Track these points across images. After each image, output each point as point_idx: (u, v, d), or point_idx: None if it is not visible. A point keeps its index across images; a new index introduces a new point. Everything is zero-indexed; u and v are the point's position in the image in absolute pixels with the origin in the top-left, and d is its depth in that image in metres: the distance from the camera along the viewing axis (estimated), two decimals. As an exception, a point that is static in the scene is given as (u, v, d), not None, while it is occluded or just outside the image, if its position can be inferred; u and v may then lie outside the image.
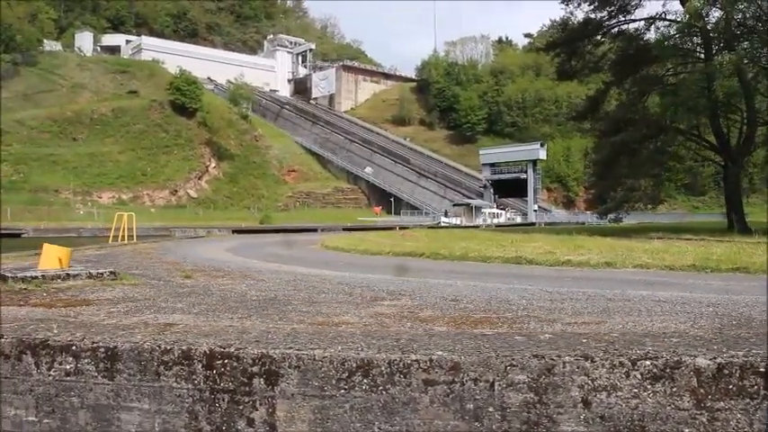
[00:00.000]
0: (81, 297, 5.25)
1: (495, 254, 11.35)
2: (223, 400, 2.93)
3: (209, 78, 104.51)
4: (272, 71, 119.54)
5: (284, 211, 77.28)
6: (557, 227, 43.97)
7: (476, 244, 14.16)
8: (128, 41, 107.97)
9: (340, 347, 3.00)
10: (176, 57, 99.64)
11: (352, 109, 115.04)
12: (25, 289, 5.63)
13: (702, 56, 24.15)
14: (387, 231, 30.50)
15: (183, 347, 3.01)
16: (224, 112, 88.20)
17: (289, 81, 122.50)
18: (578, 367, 2.89)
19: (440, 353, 2.93)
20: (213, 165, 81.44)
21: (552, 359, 2.90)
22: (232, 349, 2.98)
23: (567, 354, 2.94)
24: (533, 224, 61.34)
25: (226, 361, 2.95)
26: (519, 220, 69.93)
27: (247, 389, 2.91)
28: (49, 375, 3.10)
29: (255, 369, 2.92)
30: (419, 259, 11.89)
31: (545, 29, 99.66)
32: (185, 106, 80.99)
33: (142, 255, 12.20)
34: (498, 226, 54.71)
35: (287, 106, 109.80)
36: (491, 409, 2.83)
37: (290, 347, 2.98)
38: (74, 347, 3.10)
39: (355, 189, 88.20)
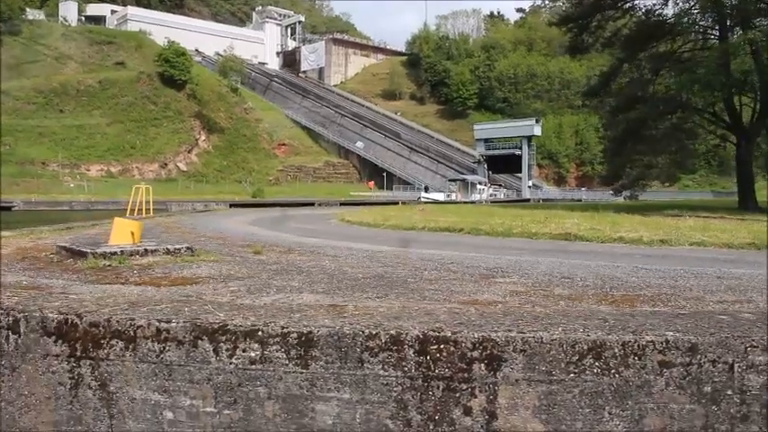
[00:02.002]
0: (177, 275, 4.92)
1: (541, 230, 11.10)
2: (437, 387, 2.67)
3: (196, 50, 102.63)
4: (260, 43, 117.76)
5: (275, 185, 76.59)
6: (557, 203, 43.89)
7: (509, 220, 13.89)
8: (113, 11, 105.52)
9: (560, 329, 2.74)
10: (163, 28, 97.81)
11: (341, 83, 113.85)
12: (109, 265, 5.29)
13: (717, 32, 23.96)
14: (392, 206, 30.16)
15: (392, 332, 2.73)
16: (213, 85, 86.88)
17: (277, 54, 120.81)
18: (819, 347, 2.68)
19: (674, 333, 2.70)
20: (203, 138, 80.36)
21: (793, 340, 2.68)
22: (448, 333, 2.70)
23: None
24: (528, 200, 61.29)
25: (442, 346, 2.68)
26: (502, 196, 68.59)
27: (466, 375, 2.66)
28: (231, 363, 2.79)
29: (476, 354, 2.66)
30: (460, 235, 11.61)
31: (538, 4, 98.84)
32: (174, 78, 79.53)
33: (173, 229, 11.82)
34: (494, 202, 54.60)
35: (276, 79, 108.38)
36: (730, 392, 2.67)
37: (510, 330, 2.72)
38: (260, 333, 2.79)
39: (347, 164, 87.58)
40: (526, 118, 76.13)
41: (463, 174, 75.68)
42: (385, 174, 80.00)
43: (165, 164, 74.59)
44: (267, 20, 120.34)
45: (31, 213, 41.62)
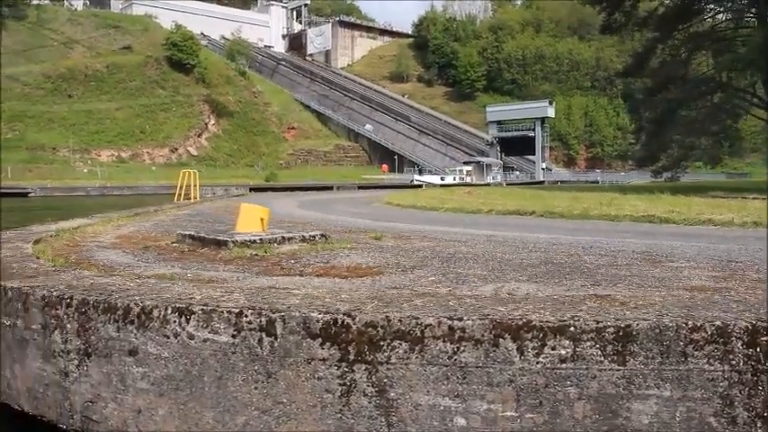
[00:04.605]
0: (339, 263, 4.65)
1: (621, 212, 10.80)
2: (767, 382, 2.41)
3: (202, 34, 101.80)
4: (266, 26, 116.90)
5: (286, 168, 76.34)
6: (577, 185, 43.51)
7: (568, 202, 13.60)
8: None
9: None
10: (168, 11, 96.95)
11: (348, 65, 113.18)
12: (256, 255, 5.01)
13: (755, 11, 23.53)
14: (416, 189, 29.88)
15: (717, 323, 2.51)
16: (221, 69, 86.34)
17: (283, 37, 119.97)
18: None
19: None
20: (212, 122, 79.97)
21: None
22: (779, 324, 2.45)
23: None
24: (542, 182, 60.90)
25: (774, 338, 2.43)
26: (500, 179, 66.59)
27: (797, 367, 2.42)
28: (537, 363, 2.52)
29: (809, 343, 2.42)
30: (534, 218, 11.32)
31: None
32: (182, 62, 79.06)
33: (235, 214, 11.49)
34: (509, 184, 54.15)
35: (283, 62, 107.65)
36: None
37: None
38: (571, 329, 2.52)
39: (356, 147, 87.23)
40: (539, 99, 75.53)
41: (473, 156, 75.18)
42: (396, 157, 79.57)
43: (176, 148, 74.28)
44: (272, 2, 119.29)
45: (48, 199, 41.37)
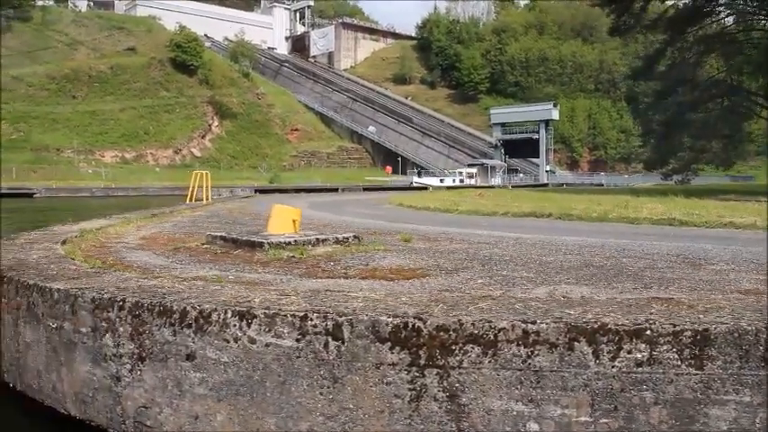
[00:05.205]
0: (379, 265, 4.61)
1: (640, 215, 10.74)
2: None
3: (205, 35, 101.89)
4: (269, 28, 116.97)
5: (289, 170, 76.27)
6: (581, 188, 43.46)
7: (585, 204, 13.55)
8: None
9: None
10: (172, 13, 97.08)
11: (351, 67, 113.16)
12: (293, 257, 4.96)
13: (765, 12, 23.45)
14: (423, 191, 29.82)
15: None
16: (225, 70, 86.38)
17: (286, 38, 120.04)
18: None
19: None
20: (216, 123, 79.96)
21: None
22: None
23: None
24: (546, 185, 60.80)
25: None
26: (500, 181, 65.92)
27: None
28: (613, 367, 2.48)
29: None
30: (550, 220, 11.27)
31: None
32: (186, 64, 79.11)
33: (255, 216, 11.48)
34: (513, 186, 54.01)
35: (286, 64, 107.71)
36: None
37: None
38: (648, 332, 2.49)
39: (360, 149, 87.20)
40: (543, 102, 75.47)
41: (477, 158, 75.15)
42: (400, 159, 79.54)
43: (179, 150, 74.28)
44: (275, 4, 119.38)
45: (53, 200, 41.32)
